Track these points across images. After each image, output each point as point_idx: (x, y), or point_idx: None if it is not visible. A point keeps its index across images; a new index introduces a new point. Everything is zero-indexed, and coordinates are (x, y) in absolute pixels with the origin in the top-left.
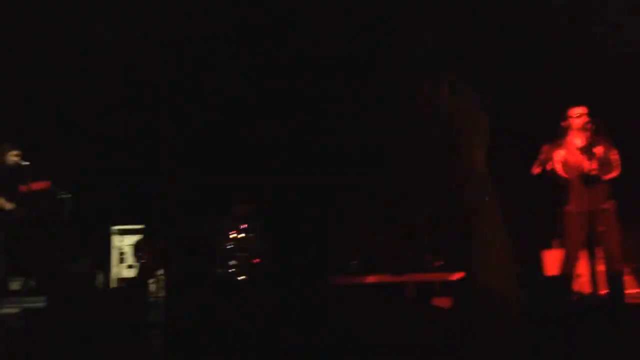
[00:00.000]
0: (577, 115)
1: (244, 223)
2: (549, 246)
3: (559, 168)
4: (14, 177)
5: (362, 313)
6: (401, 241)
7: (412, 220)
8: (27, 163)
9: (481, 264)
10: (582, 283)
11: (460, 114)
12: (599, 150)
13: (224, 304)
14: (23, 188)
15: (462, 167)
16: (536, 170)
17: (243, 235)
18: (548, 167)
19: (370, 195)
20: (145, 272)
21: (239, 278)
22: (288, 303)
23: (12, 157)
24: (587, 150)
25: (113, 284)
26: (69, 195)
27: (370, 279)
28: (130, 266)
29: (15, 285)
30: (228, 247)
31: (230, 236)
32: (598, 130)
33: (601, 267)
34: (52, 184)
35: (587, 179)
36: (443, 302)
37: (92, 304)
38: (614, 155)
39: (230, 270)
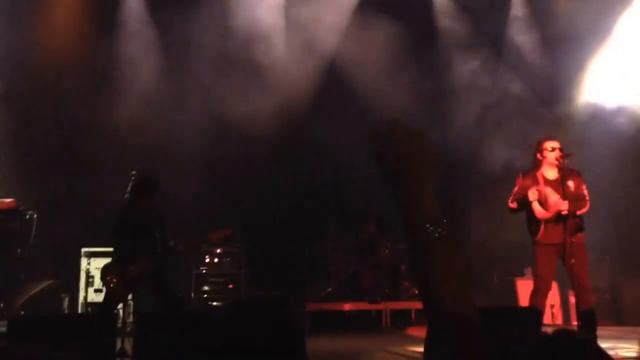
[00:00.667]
0: (551, 148)
1: (220, 248)
2: (522, 274)
3: (535, 206)
4: None
5: (336, 341)
6: (378, 268)
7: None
8: None
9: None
10: (553, 314)
11: (415, 155)
12: (571, 184)
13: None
14: None
15: (414, 205)
16: (512, 205)
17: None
18: (520, 202)
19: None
20: (113, 297)
21: (213, 303)
22: (261, 331)
23: None
24: (559, 184)
25: (80, 308)
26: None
27: (347, 306)
28: (98, 290)
29: None
30: (203, 271)
31: (206, 261)
32: (569, 164)
33: (572, 299)
34: (17, 202)
35: (560, 214)
36: (417, 332)
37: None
38: (585, 190)
39: (205, 296)
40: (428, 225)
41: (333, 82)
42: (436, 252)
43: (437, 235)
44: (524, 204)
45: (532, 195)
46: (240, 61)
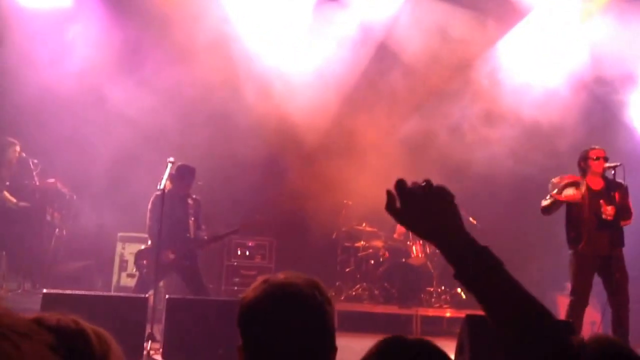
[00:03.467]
0: (595, 157)
1: (251, 241)
2: (563, 290)
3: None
4: (19, 173)
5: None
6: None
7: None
8: (35, 161)
9: None
10: (594, 332)
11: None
12: (616, 195)
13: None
14: (29, 184)
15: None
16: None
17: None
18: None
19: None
20: (146, 281)
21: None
22: (294, 317)
23: (15, 152)
24: (605, 195)
25: (112, 290)
26: (75, 196)
27: (376, 308)
28: (131, 275)
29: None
30: (234, 263)
31: (237, 253)
32: (615, 175)
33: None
34: (58, 183)
35: (605, 224)
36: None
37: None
38: (630, 203)
39: (235, 288)
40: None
41: None
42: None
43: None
44: (557, 203)
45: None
46: None
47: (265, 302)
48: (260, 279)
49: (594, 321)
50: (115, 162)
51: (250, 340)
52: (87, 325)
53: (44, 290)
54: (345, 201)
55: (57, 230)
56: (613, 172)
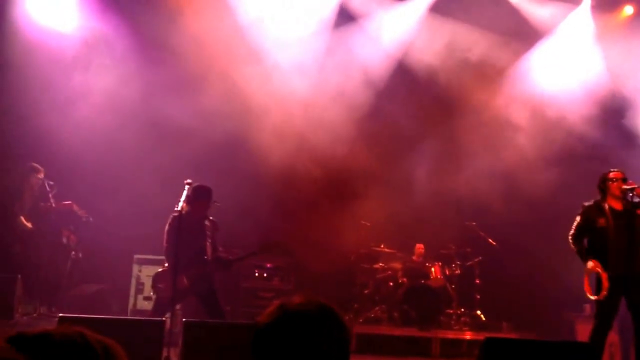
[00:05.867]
0: (615, 179)
1: (270, 263)
2: (581, 311)
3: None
4: (37, 197)
5: None
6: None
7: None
8: (52, 183)
9: None
10: (612, 354)
11: None
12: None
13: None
14: (44, 207)
15: None
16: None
17: (266, 275)
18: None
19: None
20: (163, 305)
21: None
22: (308, 341)
23: (38, 178)
24: (626, 215)
25: (129, 314)
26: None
27: (395, 331)
28: (147, 298)
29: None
30: (252, 286)
31: (255, 275)
32: (633, 197)
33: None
34: (74, 205)
35: (630, 245)
36: None
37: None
38: None
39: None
40: None
41: None
42: None
43: None
44: (586, 235)
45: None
46: None
47: (279, 328)
48: (275, 303)
49: (612, 342)
50: (131, 183)
51: None
52: (94, 337)
53: (60, 314)
54: (363, 222)
55: (73, 253)
56: (631, 193)
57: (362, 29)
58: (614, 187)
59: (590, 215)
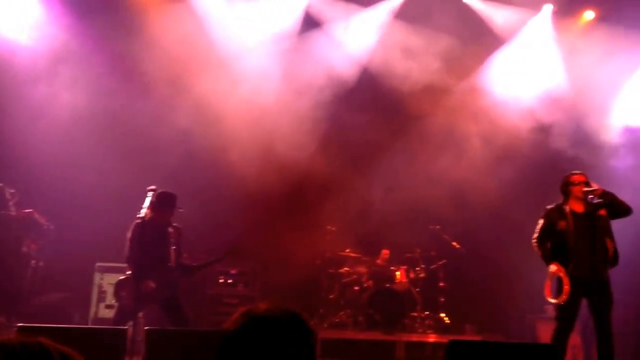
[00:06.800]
0: (577, 182)
1: (234, 269)
2: (542, 312)
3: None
4: None
5: None
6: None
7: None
8: (13, 191)
9: None
10: (575, 355)
11: None
12: (601, 216)
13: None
14: (4, 215)
15: None
16: (537, 239)
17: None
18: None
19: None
20: (125, 313)
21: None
22: (274, 347)
23: None
24: (588, 217)
25: (90, 323)
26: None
27: (359, 335)
28: (109, 306)
29: None
30: (216, 292)
31: (220, 281)
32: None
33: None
34: (35, 213)
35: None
36: None
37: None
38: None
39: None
40: None
41: None
42: None
43: None
44: (549, 238)
45: (559, 224)
46: None
47: (245, 335)
48: (240, 310)
49: (575, 344)
50: (92, 190)
51: None
52: (54, 346)
53: (19, 324)
54: (328, 227)
55: (33, 261)
56: (592, 195)
57: (326, 35)
58: (576, 189)
59: (552, 218)
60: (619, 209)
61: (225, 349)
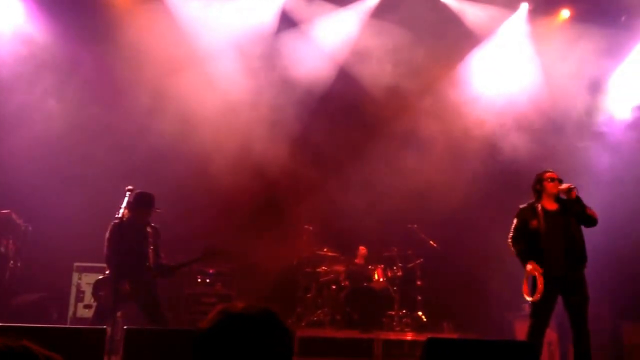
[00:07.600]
0: (550, 179)
1: (212, 269)
2: (520, 310)
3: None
4: None
5: None
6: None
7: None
8: None
9: None
10: (551, 352)
11: None
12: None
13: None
14: None
15: None
16: (512, 239)
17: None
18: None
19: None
20: (103, 312)
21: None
22: (249, 346)
23: None
24: (559, 215)
25: (69, 323)
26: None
27: (337, 333)
28: (88, 306)
29: None
30: (195, 292)
31: (198, 281)
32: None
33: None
34: (12, 213)
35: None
36: None
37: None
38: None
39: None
40: None
41: None
42: None
43: None
44: (524, 237)
45: (532, 222)
46: None
47: (221, 333)
48: (217, 309)
49: (551, 341)
50: (70, 191)
51: None
52: (39, 350)
53: None
54: (306, 226)
55: (11, 262)
56: (565, 194)
57: (301, 35)
58: (550, 187)
59: (525, 217)
60: (588, 220)
61: (201, 346)
